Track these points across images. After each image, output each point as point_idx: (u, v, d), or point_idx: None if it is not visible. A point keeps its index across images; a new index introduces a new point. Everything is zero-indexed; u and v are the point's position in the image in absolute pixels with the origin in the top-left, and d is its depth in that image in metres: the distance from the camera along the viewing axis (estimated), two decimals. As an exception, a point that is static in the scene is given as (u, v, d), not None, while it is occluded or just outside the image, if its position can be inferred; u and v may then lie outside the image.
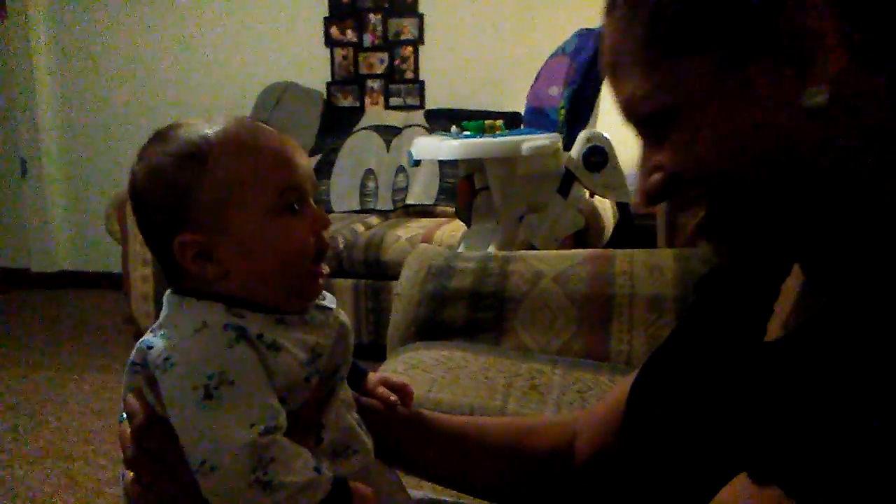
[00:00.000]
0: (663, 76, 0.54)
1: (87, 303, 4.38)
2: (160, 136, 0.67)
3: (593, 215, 3.04)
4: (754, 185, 0.53)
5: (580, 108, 2.85)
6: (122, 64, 4.58)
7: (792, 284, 0.63)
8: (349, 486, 0.63)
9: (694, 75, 0.53)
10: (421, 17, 4.18)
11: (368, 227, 3.55)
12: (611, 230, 3.23)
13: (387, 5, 4.21)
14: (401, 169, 3.85)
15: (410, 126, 3.95)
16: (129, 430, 0.65)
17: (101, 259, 4.58)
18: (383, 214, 3.81)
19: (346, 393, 0.72)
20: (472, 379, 1.45)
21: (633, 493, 0.64)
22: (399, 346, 1.66)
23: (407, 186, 3.82)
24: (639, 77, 0.55)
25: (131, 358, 0.65)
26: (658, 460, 0.61)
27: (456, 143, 2.61)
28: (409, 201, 3.78)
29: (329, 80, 4.35)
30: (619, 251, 1.71)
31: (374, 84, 4.30)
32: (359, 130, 4.04)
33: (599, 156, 2.56)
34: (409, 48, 4.22)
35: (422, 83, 4.23)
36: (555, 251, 1.94)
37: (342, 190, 3.89)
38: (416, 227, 3.41)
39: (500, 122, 2.83)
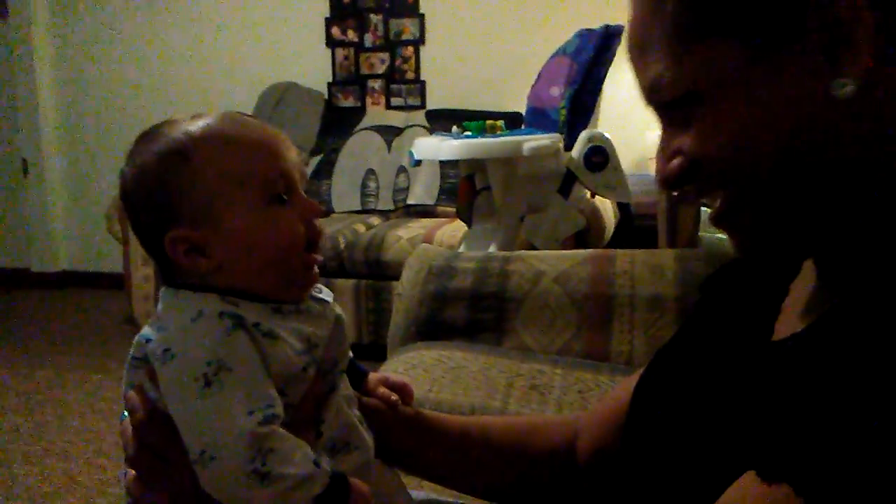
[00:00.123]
0: (691, 59, 0.53)
1: (88, 303, 4.38)
2: (145, 137, 0.68)
3: (594, 215, 3.04)
4: (776, 173, 0.52)
5: (581, 109, 2.85)
6: (123, 64, 4.58)
7: (801, 284, 0.62)
8: (348, 481, 0.63)
9: (722, 60, 0.52)
10: (422, 17, 4.18)
11: (369, 227, 3.55)
12: (612, 230, 3.23)
13: (388, 5, 4.21)
14: (402, 169, 3.85)
15: (411, 126, 3.95)
16: (130, 428, 0.65)
17: (103, 259, 4.58)
18: (384, 214, 3.81)
19: (347, 388, 0.72)
20: (473, 379, 1.44)
21: (637, 492, 0.64)
22: (400, 346, 1.66)
23: (408, 186, 3.82)
24: (665, 59, 0.54)
25: (131, 353, 0.65)
26: (662, 459, 0.61)
27: (457, 143, 2.61)
28: (410, 201, 3.78)
29: (330, 80, 4.35)
30: (619, 251, 1.71)
31: (375, 84, 4.30)
32: (360, 130, 4.04)
33: (600, 156, 2.56)
34: (410, 48, 4.23)
35: (423, 83, 4.23)
36: (556, 251, 1.94)
37: (343, 190, 3.90)
38: (417, 227, 3.41)
39: (500, 123, 2.83)
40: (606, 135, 2.62)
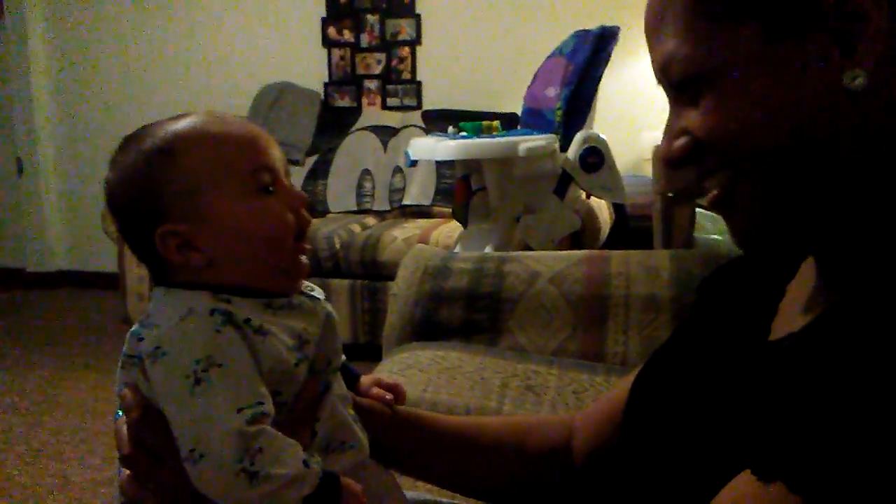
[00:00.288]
0: (706, 39, 0.53)
1: (82, 302, 4.37)
2: (127, 141, 0.69)
3: (589, 216, 3.05)
4: (780, 159, 0.53)
5: (577, 110, 2.86)
6: (118, 63, 4.57)
7: (798, 285, 0.63)
8: (340, 481, 0.63)
9: (737, 42, 0.52)
10: (418, 17, 4.18)
11: (365, 227, 3.55)
12: (607, 231, 3.24)
13: (384, 6, 4.21)
14: (398, 169, 3.85)
15: (407, 126, 3.95)
16: (125, 427, 0.65)
17: (97, 259, 4.57)
18: (380, 215, 3.81)
19: (341, 388, 0.72)
20: (468, 379, 1.45)
21: (633, 492, 0.64)
22: (395, 346, 1.66)
23: (404, 187, 3.82)
24: (681, 37, 0.55)
25: (125, 350, 0.66)
26: (659, 458, 0.61)
27: (453, 143, 2.61)
28: (406, 202, 3.78)
29: (326, 80, 4.35)
30: (615, 252, 1.71)
31: (372, 84, 4.30)
32: (356, 131, 4.04)
33: (596, 157, 2.57)
34: (407, 49, 4.23)
35: (419, 84, 4.23)
36: (551, 252, 1.95)
37: (339, 190, 3.89)
38: (413, 227, 3.41)
39: (496, 123, 2.83)
40: (602, 136, 2.62)
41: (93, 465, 2.38)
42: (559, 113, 2.84)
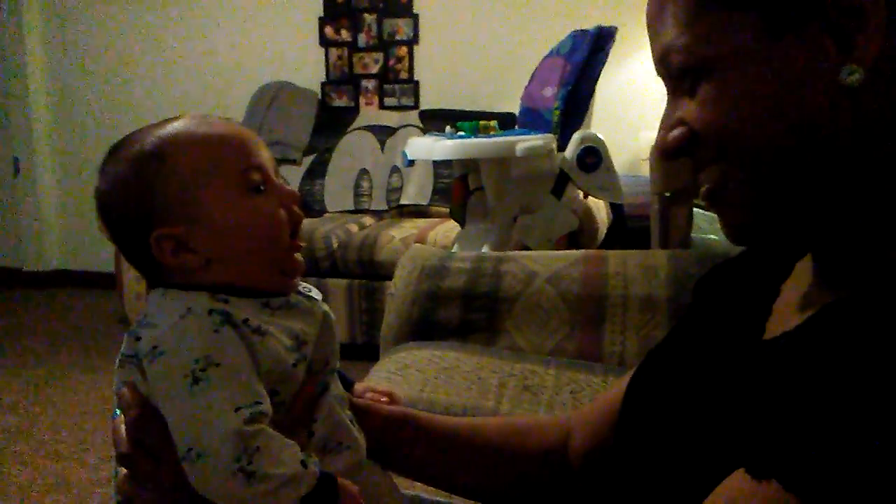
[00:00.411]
0: (705, 28, 0.54)
1: (79, 302, 4.36)
2: (114, 149, 0.69)
3: (587, 216, 3.05)
4: (773, 151, 0.53)
5: (574, 109, 2.86)
6: (115, 63, 4.56)
7: (792, 284, 0.63)
8: (337, 481, 0.63)
9: (736, 32, 0.53)
10: (416, 17, 4.18)
11: (362, 227, 3.55)
12: (604, 231, 3.24)
13: (382, 5, 4.21)
14: (395, 169, 3.85)
15: (405, 126, 3.95)
16: (122, 426, 0.65)
17: (94, 258, 4.56)
18: (377, 214, 3.81)
19: (338, 389, 0.72)
20: (466, 379, 1.45)
21: (629, 491, 0.64)
22: (392, 346, 1.66)
23: (401, 186, 3.82)
24: (681, 26, 0.55)
25: (123, 350, 0.66)
26: (654, 457, 0.61)
27: (450, 143, 2.61)
28: (404, 201, 3.78)
29: (324, 79, 4.35)
30: (612, 252, 1.71)
31: (369, 84, 4.30)
32: (353, 130, 4.04)
33: (593, 157, 2.57)
34: (404, 48, 4.22)
35: (416, 83, 4.23)
36: (548, 252, 1.95)
37: (336, 190, 3.89)
38: (410, 227, 3.41)
39: (494, 123, 2.83)
40: (599, 135, 2.62)
41: (90, 464, 2.38)
42: (557, 113, 2.85)
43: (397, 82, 4.26)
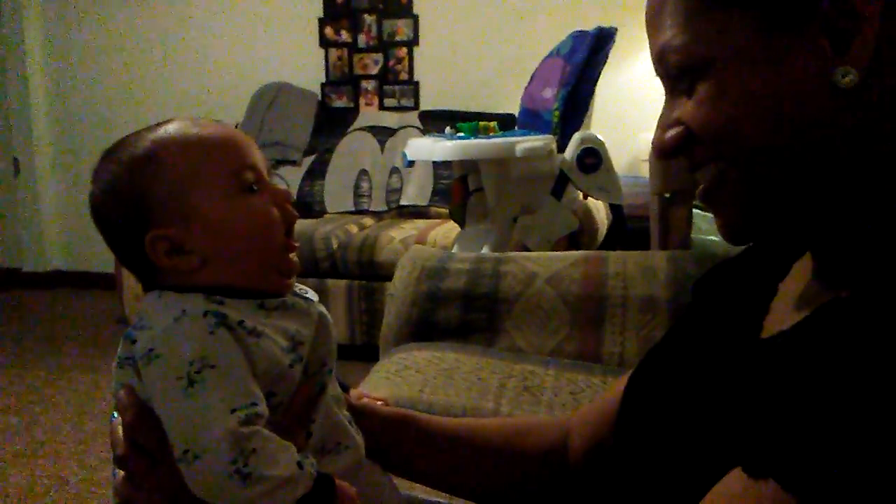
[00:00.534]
0: (703, 27, 0.54)
1: (79, 303, 4.36)
2: (107, 154, 0.69)
3: (587, 217, 3.05)
4: (768, 151, 0.53)
5: (574, 110, 2.86)
6: (115, 63, 4.57)
7: (790, 283, 0.63)
8: (334, 482, 0.63)
9: (732, 31, 0.53)
10: (416, 18, 4.18)
11: (362, 227, 3.55)
12: (604, 232, 3.24)
13: (382, 6, 4.21)
14: (395, 170, 3.85)
15: (405, 127, 3.95)
16: (120, 428, 0.65)
17: (94, 259, 4.56)
18: (377, 215, 3.81)
19: (335, 389, 0.72)
20: (465, 380, 1.45)
21: (628, 490, 0.64)
22: (392, 346, 1.66)
23: (401, 187, 3.82)
24: (679, 25, 0.55)
25: (119, 352, 0.66)
26: (653, 456, 0.61)
27: (450, 144, 2.61)
28: (403, 202, 3.78)
29: (323, 80, 4.35)
30: (612, 253, 1.71)
31: (369, 85, 4.30)
32: (353, 131, 4.04)
33: (593, 158, 2.57)
34: (404, 49, 4.23)
35: (416, 84, 4.23)
36: (548, 253, 1.95)
37: (336, 191, 3.89)
38: (410, 228, 3.41)
39: (494, 124, 2.83)
40: (599, 136, 2.62)
41: (89, 465, 2.38)
42: (556, 114, 2.84)
43: (397, 83, 4.26)
